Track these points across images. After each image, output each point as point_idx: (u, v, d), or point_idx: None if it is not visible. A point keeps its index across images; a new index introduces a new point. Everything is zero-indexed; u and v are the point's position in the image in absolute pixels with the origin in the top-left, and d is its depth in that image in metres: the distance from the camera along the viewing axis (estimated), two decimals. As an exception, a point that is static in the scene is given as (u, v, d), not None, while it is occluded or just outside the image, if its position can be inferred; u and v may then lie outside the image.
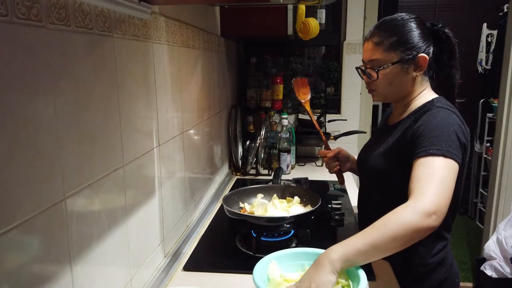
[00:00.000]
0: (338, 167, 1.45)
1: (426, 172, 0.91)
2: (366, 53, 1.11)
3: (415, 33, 1.06)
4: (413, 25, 1.06)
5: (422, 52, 1.06)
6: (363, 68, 1.14)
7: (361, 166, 1.28)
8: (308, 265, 0.91)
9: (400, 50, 1.05)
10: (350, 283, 0.89)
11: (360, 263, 0.87)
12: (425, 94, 1.11)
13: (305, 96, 1.59)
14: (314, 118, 1.56)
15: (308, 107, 1.58)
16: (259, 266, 0.92)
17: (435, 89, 1.14)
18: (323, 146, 1.57)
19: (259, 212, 1.28)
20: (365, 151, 1.26)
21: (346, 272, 0.92)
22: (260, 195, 1.40)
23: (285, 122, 2.09)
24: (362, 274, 0.87)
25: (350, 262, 0.85)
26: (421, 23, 1.08)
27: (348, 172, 1.53)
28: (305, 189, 1.47)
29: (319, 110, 2.42)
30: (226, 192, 1.75)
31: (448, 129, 0.97)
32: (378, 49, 1.07)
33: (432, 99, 1.08)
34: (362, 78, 1.17)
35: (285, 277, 0.92)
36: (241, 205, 1.38)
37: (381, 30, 1.08)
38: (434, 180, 0.89)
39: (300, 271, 0.94)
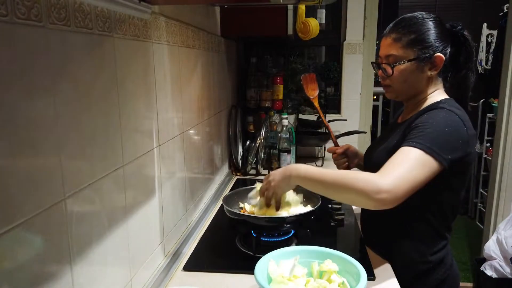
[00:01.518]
0: (347, 163, 1.45)
1: (399, 157, 0.96)
2: (383, 48, 1.11)
3: (434, 32, 1.06)
4: (432, 24, 1.07)
5: (439, 52, 1.06)
6: (378, 62, 1.14)
7: (366, 162, 1.29)
8: (307, 262, 0.95)
9: (417, 47, 1.06)
10: (347, 283, 0.90)
11: (308, 188, 1.06)
12: (436, 95, 1.11)
13: (313, 92, 1.61)
14: (323, 114, 1.57)
15: (316, 103, 1.60)
16: (260, 265, 0.92)
17: (448, 90, 1.14)
18: (328, 142, 1.58)
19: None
20: (372, 147, 1.28)
21: (347, 270, 0.92)
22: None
23: (285, 122, 2.09)
24: (363, 273, 0.87)
25: (303, 183, 1.05)
26: (440, 23, 1.08)
27: (354, 169, 1.54)
28: (305, 189, 1.47)
29: (319, 110, 2.42)
30: (226, 192, 1.75)
31: (442, 129, 0.98)
32: (395, 45, 1.08)
33: (440, 100, 1.08)
34: (377, 73, 1.18)
35: (285, 275, 0.93)
36: (241, 205, 1.38)
37: (400, 27, 1.08)
38: (403, 166, 0.93)
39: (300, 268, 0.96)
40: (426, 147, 0.94)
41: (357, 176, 0.94)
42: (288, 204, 1.23)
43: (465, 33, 1.11)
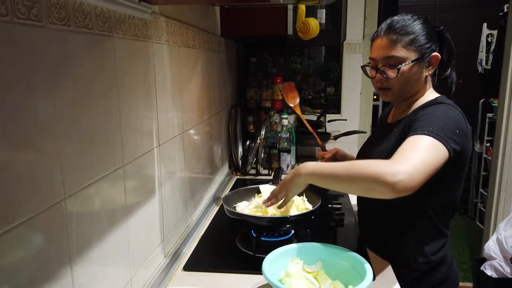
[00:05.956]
0: None
1: (410, 145, 0.91)
2: (380, 50, 1.08)
3: (427, 32, 1.07)
4: (424, 24, 1.07)
5: (434, 51, 1.07)
6: (371, 65, 1.12)
7: None
8: (322, 260, 0.99)
9: (417, 48, 1.05)
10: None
11: (320, 185, 0.99)
12: (429, 93, 1.13)
13: (293, 101, 1.61)
14: (306, 121, 1.58)
15: (298, 111, 1.60)
16: (268, 259, 0.95)
17: (435, 88, 1.15)
18: (328, 142, 1.59)
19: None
20: (366, 149, 1.26)
21: (354, 269, 0.93)
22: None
23: (285, 122, 2.09)
24: (369, 272, 0.88)
25: (314, 180, 1.00)
26: (429, 24, 1.09)
27: None
28: (305, 189, 1.47)
29: (319, 110, 2.42)
30: (226, 192, 1.75)
31: (446, 118, 0.97)
32: (395, 46, 1.05)
33: (436, 98, 1.09)
34: (368, 76, 1.15)
35: (306, 269, 0.98)
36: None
37: (395, 28, 1.06)
38: (417, 151, 0.88)
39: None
40: (436, 133, 0.92)
41: (369, 162, 0.90)
42: (292, 202, 1.24)
43: (446, 31, 1.13)
